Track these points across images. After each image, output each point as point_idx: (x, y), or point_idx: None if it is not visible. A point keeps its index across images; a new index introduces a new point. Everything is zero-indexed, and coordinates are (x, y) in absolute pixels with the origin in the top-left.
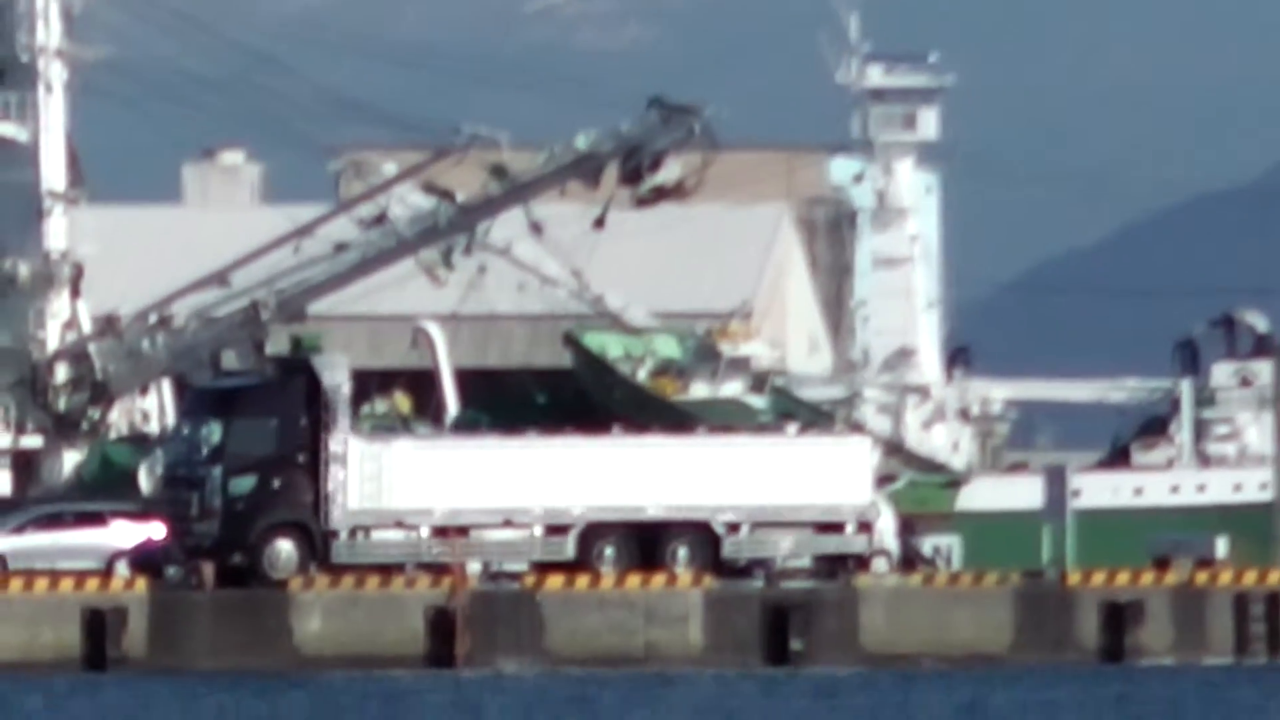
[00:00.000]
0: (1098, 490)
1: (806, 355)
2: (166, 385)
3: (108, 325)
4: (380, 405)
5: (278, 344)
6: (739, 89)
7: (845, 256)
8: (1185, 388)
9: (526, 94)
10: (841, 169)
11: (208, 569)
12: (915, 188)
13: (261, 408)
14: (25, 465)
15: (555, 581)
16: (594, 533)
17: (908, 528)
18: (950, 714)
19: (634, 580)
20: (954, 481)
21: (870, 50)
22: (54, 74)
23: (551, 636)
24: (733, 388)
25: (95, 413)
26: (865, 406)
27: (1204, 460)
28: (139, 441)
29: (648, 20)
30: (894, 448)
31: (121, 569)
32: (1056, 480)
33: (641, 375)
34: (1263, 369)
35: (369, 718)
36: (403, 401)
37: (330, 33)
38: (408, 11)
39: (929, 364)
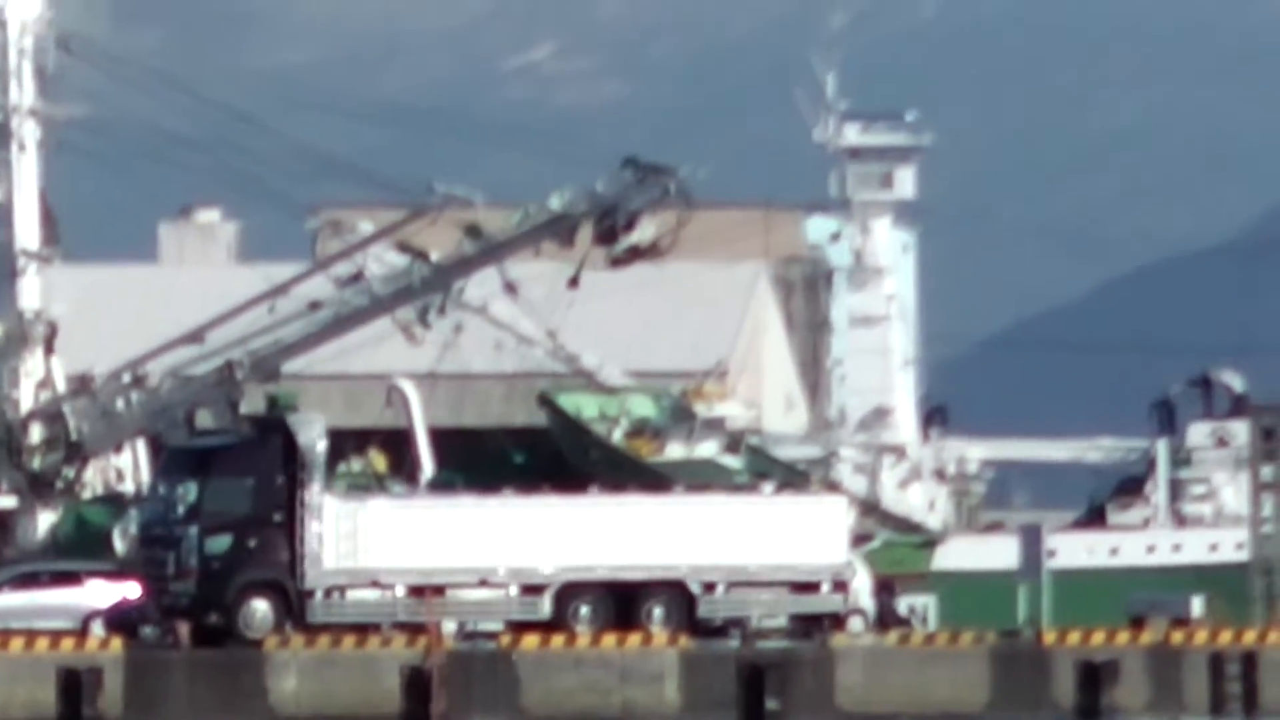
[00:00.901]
0: (1074, 550)
1: (782, 414)
2: (141, 444)
3: (82, 384)
4: (356, 464)
5: (253, 403)
6: (716, 146)
7: (821, 315)
8: (1161, 448)
9: (503, 152)
10: (818, 228)
11: (184, 628)
12: (892, 247)
13: (238, 467)
14: (0, 526)
15: (531, 641)
16: (570, 592)
17: (886, 587)
18: None
19: (610, 640)
20: (930, 541)
21: (847, 108)
22: (27, 133)
23: (527, 696)
24: (708, 448)
25: (70, 472)
26: (841, 466)
27: (1180, 520)
28: (114, 501)
29: (626, 77)
30: (870, 507)
31: (97, 628)
32: (1032, 540)
33: (617, 436)
34: (1239, 429)
35: None
36: (378, 460)
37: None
38: (386, 70)
39: (905, 423)
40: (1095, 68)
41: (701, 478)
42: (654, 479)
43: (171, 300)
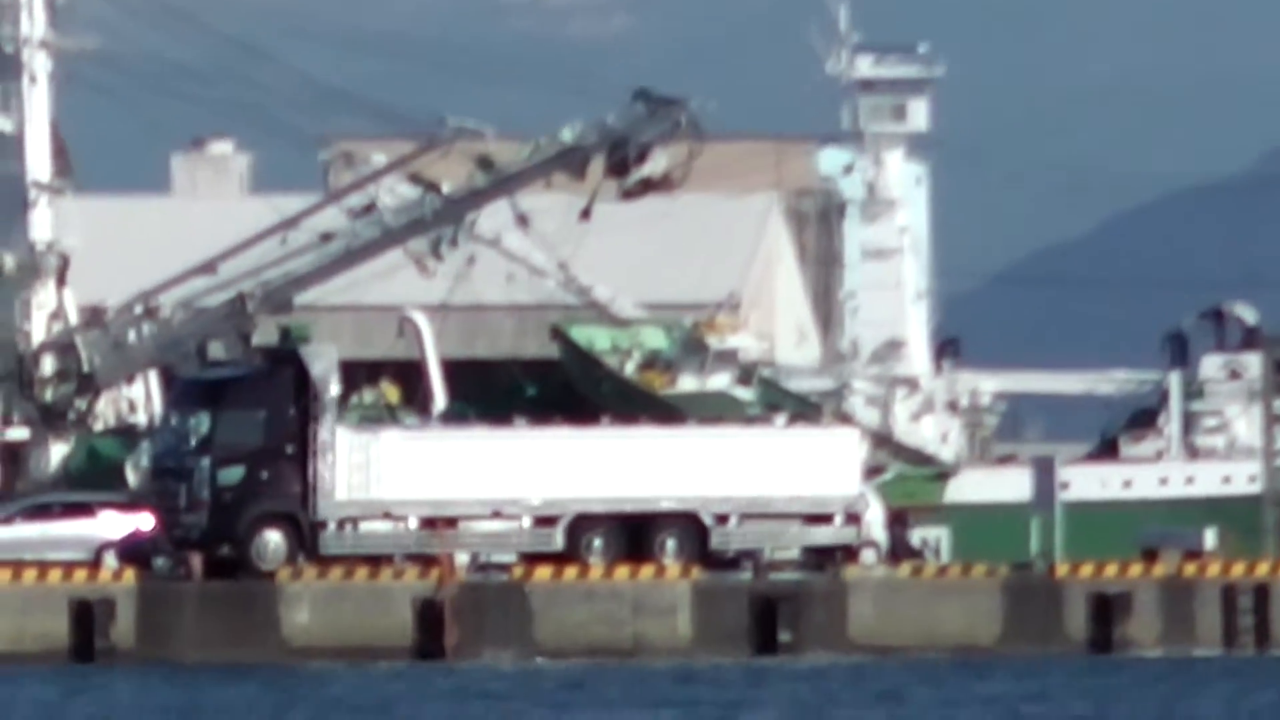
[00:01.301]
0: (1086, 482)
1: (794, 346)
2: (153, 376)
3: (94, 316)
4: (368, 395)
5: (265, 335)
6: (728, 79)
7: (834, 248)
8: (1174, 380)
9: (513, 86)
10: (831, 160)
11: (196, 560)
12: (905, 179)
13: (250, 399)
14: (12, 458)
15: (543, 573)
16: (582, 524)
17: (899, 520)
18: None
19: (622, 572)
20: (943, 473)
21: (860, 41)
22: (38, 65)
23: (539, 628)
24: (720, 380)
25: (82, 404)
26: (854, 398)
27: (1192, 452)
28: (126, 433)
29: (636, 9)
30: (883, 439)
31: (109, 560)
32: (1045, 472)
33: (629, 368)
34: (1251, 361)
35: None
36: (390, 391)
37: (317, 23)
38: (395, 1)
39: (918, 356)
40: (1099, 8)
41: (714, 410)
42: (666, 411)
43: (184, 232)
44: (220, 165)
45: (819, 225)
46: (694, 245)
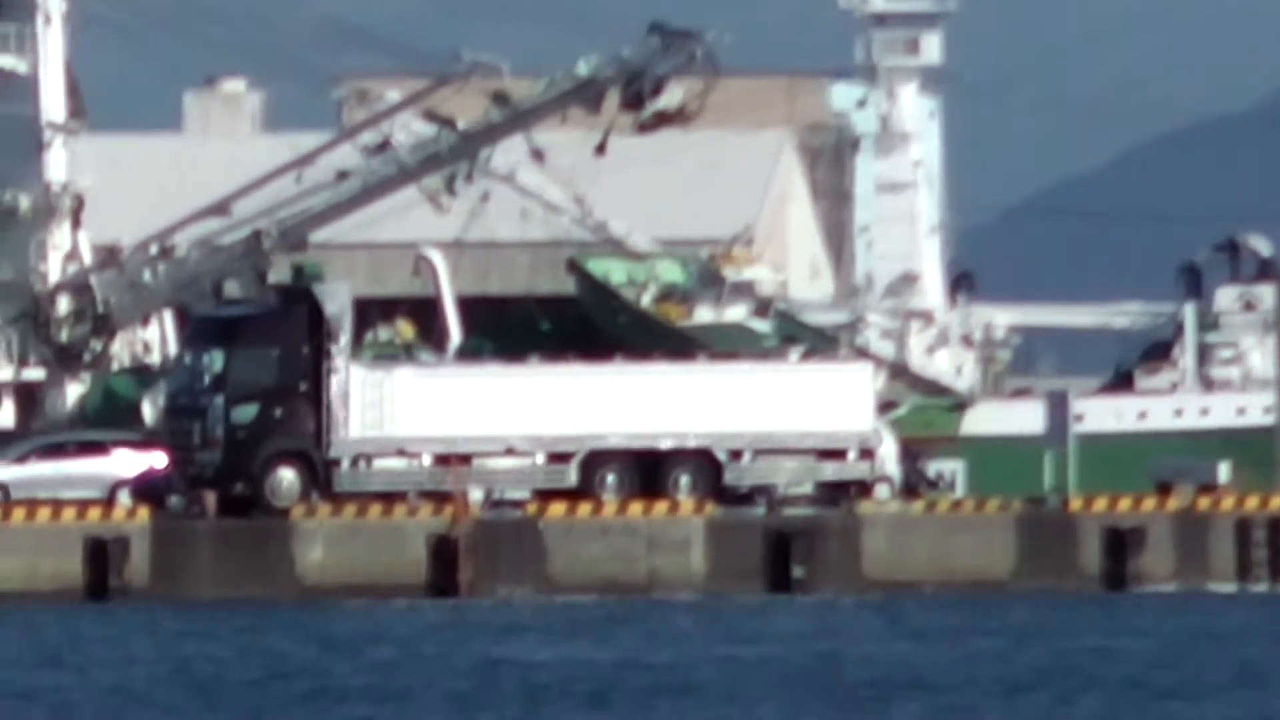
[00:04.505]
0: (1101, 415)
1: (808, 281)
2: (168, 316)
3: (109, 256)
4: (384, 333)
5: (280, 273)
6: (740, 14)
7: (846, 182)
8: (1189, 312)
9: (526, 22)
10: (843, 95)
11: (210, 498)
12: (918, 113)
13: (263, 337)
14: (28, 398)
15: (557, 509)
16: (596, 460)
17: (912, 453)
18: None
19: (636, 508)
20: (960, 404)
21: None
22: (52, 6)
23: (554, 564)
24: (737, 312)
25: (97, 344)
26: (869, 331)
27: (1207, 384)
28: (142, 373)
29: None
30: (900, 370)
31: (123, 498)
32: (1058, 405)
33: (645, 301)
34: (1266, 293)
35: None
36: (406, 329)
37: None
38: None
39: (932, 289)
40: None
41: (731, 341)
42: (683, 343)
43: (197, 170)
44: (232, 103)
45: (831, 160)
46: (707, 181)
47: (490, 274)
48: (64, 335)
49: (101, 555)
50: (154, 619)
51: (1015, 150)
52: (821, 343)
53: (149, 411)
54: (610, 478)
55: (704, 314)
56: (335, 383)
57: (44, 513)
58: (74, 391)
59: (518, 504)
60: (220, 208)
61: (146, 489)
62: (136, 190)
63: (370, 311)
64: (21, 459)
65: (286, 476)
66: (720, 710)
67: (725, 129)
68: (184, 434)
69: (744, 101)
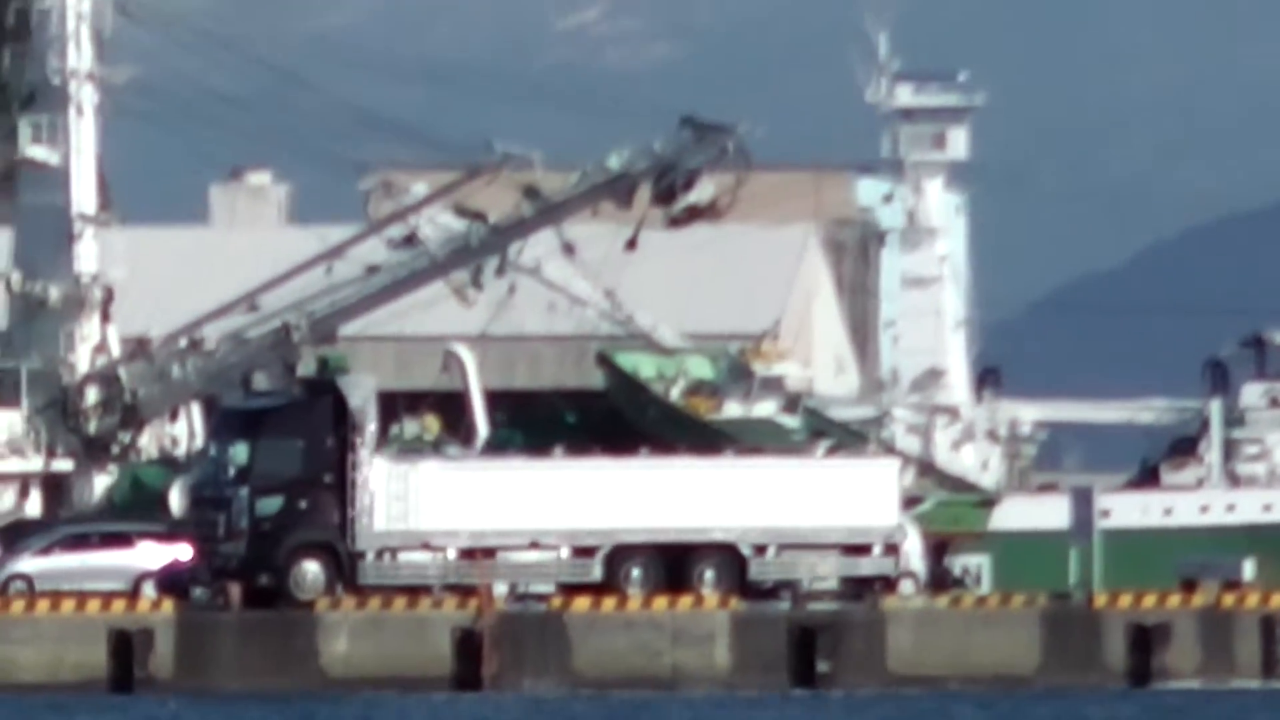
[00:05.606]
0: (1127, 510)
1: (833, 376)
2: (196, 409)
3: (138, 348)
4: (410, 427)
5: (308, 365)
6: (767, 108)
7: (871, 277)
8: (1215, 408)
9: (556, 112)
10: (869, 190)
11: (234, 590)
12: (945, 208)
13: (288, 428)
14: (56, 488)
15: (582, 603)
16: (621, 554)
17: (939, 548)
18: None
19: (661, 601)
20: (988, 500)
21: (900, 69)
22: (85, 97)
23: (578, 657)
24: (766, 408)
25: (125, 436)
26: (894, 426)
27: (1233, 480)
28: (169, 463)
29: (675, 39)
30: (927, 467)
31: (148, 590)
32: (1083, 501)
33: (675, 395)
34: None
35: None
36: (432, 423)
37: (358, 51)
38: (435, 29)
39: (958, 384)
40: (1137, 25)
41: (760, 438)
42: (713, 437)
43: (224, 262)
44: (258, 195)
45: (857, 255)
46: (732, 275)
47: (516, 367)
48: (92, 426)
49: (126, 646)
50: (179, 711)
51: (1042, 244)
52: (850, 439)
53: (176, 502)
54: (635, 571)
55: (733, 409)
56: (360, 475)
57: (68, 604)
58: (102, 482)
59: (542, 597)
60: (248, 302)
61: (171, 581)
62: (163, 281)
63: (397, 405)
64: (46, 550)
65: (311, 569)
66: None
67: (751, 223)
68: (209, 525)
69: (770, 195)
